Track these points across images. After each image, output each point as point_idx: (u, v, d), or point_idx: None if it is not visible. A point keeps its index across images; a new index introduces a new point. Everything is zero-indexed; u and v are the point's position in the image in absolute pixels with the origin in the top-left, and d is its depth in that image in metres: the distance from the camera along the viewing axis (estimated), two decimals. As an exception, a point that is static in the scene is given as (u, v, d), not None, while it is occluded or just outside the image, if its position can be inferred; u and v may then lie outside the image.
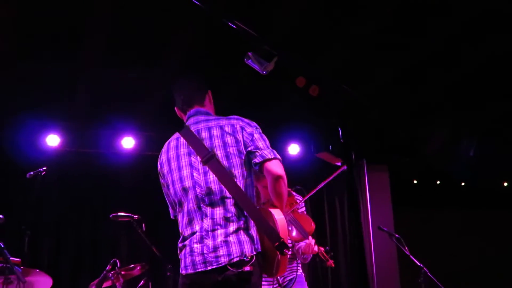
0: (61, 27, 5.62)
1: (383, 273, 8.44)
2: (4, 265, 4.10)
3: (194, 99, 3.47)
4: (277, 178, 3.15)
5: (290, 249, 4.61)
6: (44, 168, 5.58)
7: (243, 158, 3.21)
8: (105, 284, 5.51)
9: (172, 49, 6.16)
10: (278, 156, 3.21)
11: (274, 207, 3.24)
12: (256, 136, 3.24)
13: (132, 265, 5.76)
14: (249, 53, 2.61)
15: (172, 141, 3.40)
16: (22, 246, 5.48)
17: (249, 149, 3.20)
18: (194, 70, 6.45)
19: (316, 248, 4.39)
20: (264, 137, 3.28)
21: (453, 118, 7.89)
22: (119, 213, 5.71)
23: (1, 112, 7.14)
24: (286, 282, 4.54)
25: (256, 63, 2.52)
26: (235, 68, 6.13)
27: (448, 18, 5.69)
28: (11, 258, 4.04)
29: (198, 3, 2.61)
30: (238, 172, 3.17)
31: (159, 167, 3.42)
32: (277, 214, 3.18)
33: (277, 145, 8.29)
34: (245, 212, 3.12)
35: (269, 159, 3.16)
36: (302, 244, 4.51)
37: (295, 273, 4.62)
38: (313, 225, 4.37)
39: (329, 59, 6.33)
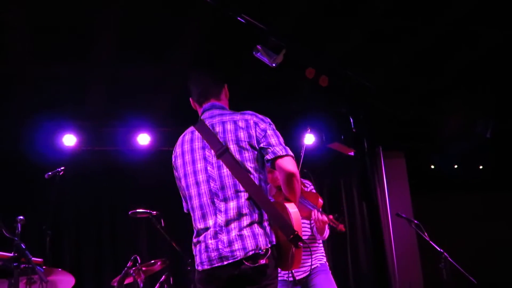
0: (74, 26, 5.66)
1: (403, 259, 8.42)
2: (27, 265, 4.13)
3: (211, 93, 3.46)
4: (290, 175, 3.13)
5: (310, 235, 4.65)
6: (62, 168, 5.61)
7: (256, 153, 3.20)
8: (126, 281, 5.56)
9: (184, 44, 6.17)
10: (291, 153, 3.18)
11: (288, 200, 3.23)
12: (269, 132, 3.22)
13: (152, 261, 5.81)
14: (258, 46, 2.62)
15: (186, 135, 3.40)
16: (43, 246, 5.53)
17: (262, 145, 3.19)
18: (207, 64, 6.46)
19: (324, 217, 4.40)
20: (278, 133, 3.25)
21: (468, 100, 7.82)
22: (137, 210, 5.74)
23: (18, 114, 7.21)
24: (308, 272, 4.56)
25: (265, 56, 2.53)
26: (249, 60, 6.12)
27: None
28: (33, 258, 4.07)
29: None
30: (251, 167, 3.17)
31: (173, 160, 3.43)
32: (291, 208, 3.18)
33: (293, 135, 8.28)
34: (259, 205, 3.13)
35: (281, 156, 3.14)
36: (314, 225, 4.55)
37: (319, 262, 4.64)
38: (320, 200, 4.47)
39: (340, 45, 6.30)
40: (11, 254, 4.07)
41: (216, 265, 3.10)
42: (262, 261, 3.03)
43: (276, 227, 3.15)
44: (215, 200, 3.16)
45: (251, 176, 3.15)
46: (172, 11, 5.53)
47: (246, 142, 3.19)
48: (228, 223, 3.11)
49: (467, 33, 6.25)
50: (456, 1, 5.64)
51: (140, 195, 7.71)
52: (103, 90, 6.99)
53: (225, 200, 3.15)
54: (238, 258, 3.04)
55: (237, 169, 3.14)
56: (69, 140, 7.42)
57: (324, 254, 4.75)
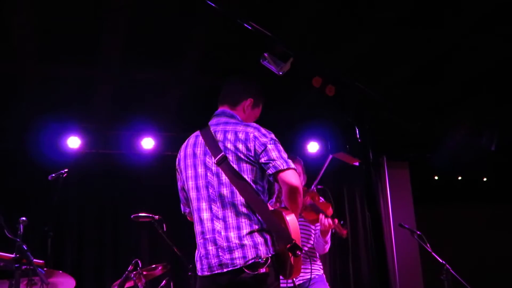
0: (80, 29, 5.67)
1: (405, 270, 8.39)
2: (28, 267, 4.12)
3: (227, 99, 3.51)
4: (293, 189, 3.14)
5: (309, 246, 4.63)
6: (66, 170, 5.61)
7: (254, 166, 3.21)
8: (127, 284, 5.54)
9: (190, 49, 6.18)
10: (293, 166, 3.18)
11: (286, 209, 3.24)
12: (270, 146, 3.20)
13: (153, 265, 5.80)
14: (265, 54, 2.61)
15: (191, 139, 3.45)
16: (45, 248, 5.52)
17: (262, 160, 3.19)
18: (213, 69, 6.47)
19: (330, 221, 4.36)
20: (279, 147, 3.24)
21: (473, 112, 7.81)
22: (140, 214, 5.73)
23: (23, 115, 7.22)
24: (304, 281, 4.55)
25: (272, 64, 2.53)
26: (255, 68, 6.12)
27: (467, 10, 5.62)
28: (34, 260, 4.07)
29: (213, 4, 2.61)
30: (248, 177, 3.19)
31: (177, 162, 3.48)
32: (289, 216, 3.18)
33: (297, 143, 8.28)
34: (257, 214, 3.14)
35: (282, 170, 3.14)
36: (318, 229, 4.54)
37: (315, 274, 4.62)
38: (331, 209, 4.44)
39: (346, 54, 6.30)
40: (13, 255, 4.07)
41: (216, 271, 3.12)
42: (262, 270, 3.04)
43: (274, 236, 3.15)
44: (213, 206, 3.19)
45: (248, 186, 3.16)
46: (180, 16, 5.54)
47: (244, 154, 3.20)
48: (226, 230, 3.13)
49: (474, 44, 6.24)
50: (464, 11, 5.64)
51: (143, 199, 7.71)
52: (109, 93, 7.00)
53: (223, 207, 3.17)
54: (238, 266, 3.07)
55: (235, 178, 3.16)
56: (74, 142, 7.43)
57: (321, 266, 4.76)
